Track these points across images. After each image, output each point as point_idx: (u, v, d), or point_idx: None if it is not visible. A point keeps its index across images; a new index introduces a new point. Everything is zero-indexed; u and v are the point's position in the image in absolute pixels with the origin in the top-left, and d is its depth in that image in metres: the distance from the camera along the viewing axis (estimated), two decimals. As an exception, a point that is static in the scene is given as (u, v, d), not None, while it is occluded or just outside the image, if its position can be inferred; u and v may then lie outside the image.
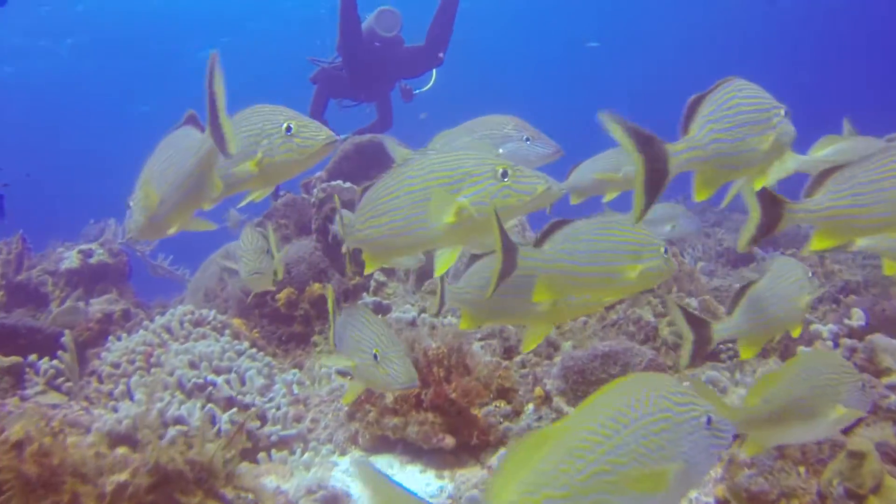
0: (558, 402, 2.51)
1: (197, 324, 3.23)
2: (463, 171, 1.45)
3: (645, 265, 1.55)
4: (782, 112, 1.47)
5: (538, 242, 1.59)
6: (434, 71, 6.01)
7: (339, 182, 4.29)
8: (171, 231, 1.61)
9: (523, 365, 2.83)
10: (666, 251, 1.60)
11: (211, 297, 4.49)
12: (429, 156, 1.51)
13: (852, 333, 2.28)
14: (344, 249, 1.72)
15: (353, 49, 5.48)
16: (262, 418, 2.65)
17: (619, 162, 2.36)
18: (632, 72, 26.01)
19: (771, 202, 1.46)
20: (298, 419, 2.87)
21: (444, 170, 1.46)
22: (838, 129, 2.20)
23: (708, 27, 22.66)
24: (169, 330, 3.13)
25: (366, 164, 4.64)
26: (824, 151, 2.02)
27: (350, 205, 4.21)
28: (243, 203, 1.75)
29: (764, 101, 1.47)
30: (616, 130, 1.33)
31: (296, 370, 3.34)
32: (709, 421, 1.08)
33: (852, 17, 20.83)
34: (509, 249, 1.49)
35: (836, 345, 2.33)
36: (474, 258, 1.80)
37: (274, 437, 2.57)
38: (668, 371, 2.55)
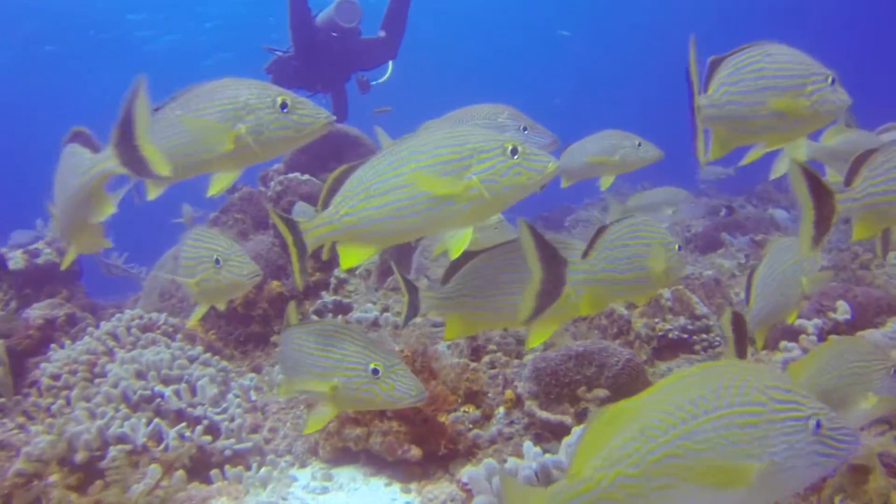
0: (530, 405, 2.32)
1: (146, 329, 2.97)
2: (470, 146, 1.33)
3: (668, 265, 1.48)
4: (827, 79, 1.37)
5: (586, 253, 1.48)
6: (391, 63, 5.80)
7: (297, 174, 4.05)
8: (71, 253, 1.49)
9: (492, 365, 2.64)
10: (680, 248, 1.52)
11: (167, 296, 4.23)
12: (433, 132, 1.39)
13: (838, 328, 2.13)
14: (320, 243, 1.48)
15: (306, 39, 5.26)
16: (215, 431, 2.41)
17: (614, 145, 2.21)
18: (603, 61, 25.75)
19: (825, 194, 1.33)
20: (255, 429, 2.65)
21: (451, 145, 1.34)
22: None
23: (683, 15, 22.45)
24: (115, 336, 2.87)
25: (325, 156, 4.40)
26: (836, 140, 1.88)
27: (308, 198, 3.97)
28: (214, 191, 1.51)
29: (800, 68, 1.39)
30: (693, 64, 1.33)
31: (253, 374, 3.11)
32: (818, 425, 0.96)
33: (839, 8, 20.71)
34: (556, 265, 1.36)
35: (822, 340, 2.17)
36: (468, 256, 1.56)
37: (227, 452, 2.34)
38: (645, 368, 2.38)
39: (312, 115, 1.43)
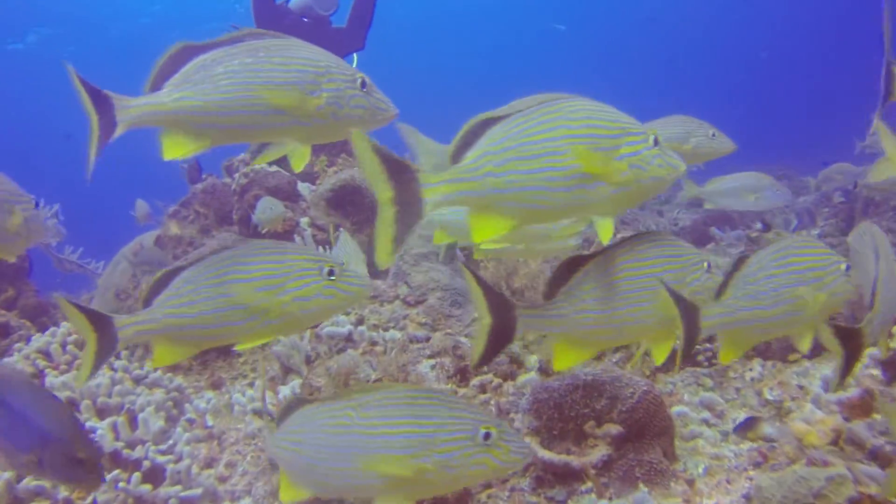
0: (530, 443, 1.89)
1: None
2: (620, 126, 1.14)
3: (830, 291, 1.26)
4: None
5: (720, 292, 1.28)
6: (355, 55, 5.34)
7: (265, 165, 3.55)
8: None
9: (482, 389, 2.20)
10: (848, 269, 1.28)
11: (122, 297, 3.72)
12: (574, 100, 1.17)
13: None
14: (448, 203, 1.13)
15: (268, 23, 4.85)
16: (158, 475, 1.94)
17: (688, 132, 1.86)
18: (599, 56, 24.98)
19: None
20: (210, 463, 2.19)
21: (604, 119, 1.15)
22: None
23: (678, 10, 21.75)
24: (47, 355, 2.38)
25: (295, 145, 3.90)
26: None
27: (275, 192, 3.48)
28: (298, 166, 1.30)
29: None
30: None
31: (212, 393, 2.63)
32: None
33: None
34: (692, 312, 1.19)
35: (886, 372, 1.75)
36: (574, 263, 1.29)
37: (172, 502, 1.88)
38: (665, 398, 1.95)
39: (386, 101, 1.27)
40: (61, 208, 4.28)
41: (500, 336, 1.21)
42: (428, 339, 2.37)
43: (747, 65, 24.26)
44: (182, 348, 1.31)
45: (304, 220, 3.32)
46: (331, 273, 1.22)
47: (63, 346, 2.40)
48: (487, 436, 1.12)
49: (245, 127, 1.22)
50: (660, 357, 1.31)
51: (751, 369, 2.59)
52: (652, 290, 1.24)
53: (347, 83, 1.23)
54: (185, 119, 1.21)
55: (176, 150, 1.24)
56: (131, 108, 1.20)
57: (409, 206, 1.06)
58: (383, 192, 1.06)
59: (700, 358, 2.70)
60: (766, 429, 1.85)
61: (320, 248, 2.90)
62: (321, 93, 1.21)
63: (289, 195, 3.48)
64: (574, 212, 1.16)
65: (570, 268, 1.28)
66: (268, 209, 3.16)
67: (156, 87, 1.24)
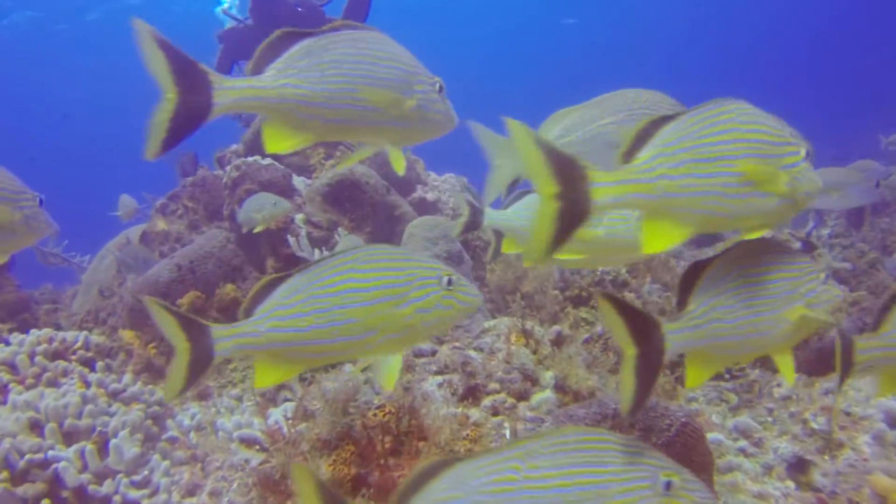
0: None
1: (56, 356, 2.18)
2: (784, 137, 1.04)
3: None
4: None
5: (877, 322, 1.15)
6: None
7: (258, 158, 3.25)
8: None
9: (495, 411, 1.92)
10: None
11: (107, 294, 3.43)
12: (744, 102, 1.06)
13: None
14: (620, 206, 1.00)
15: (267, 10, 4.56)
16: (131, 511, 1.67)
17: None
18: (608, 50, 24.29)
19: None
20: (192, 491, 1.91)
21: (772, 125, 1.04)
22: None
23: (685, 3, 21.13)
24: (13, 367, 2.08)
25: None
26: None
27: (268, 186, 3.18)
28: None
29: None
30: None
31: (197, 406, 2.35)
32: None
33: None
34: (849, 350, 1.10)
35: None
36: (694, 270, 1.13)
37: (145, 545, 1.60)
38: (706, 432, 1.68)
39: (452, 108, 1.21)
40: (46, 198, 3.96)
41: (652, 366, 1.01)
42: (434, 353, 2.10)
43: (762, 57, 23.68)
44: (287, 366, 1.12)
45: (299, 217, 3.03)
46: (450, 282, 1.11)
47: (31, 356, 2.11)
48: (669, 485, 0.92)
49: (347, 122, 1.12)
50: (789, 375, 1.12)
51: (778, 385, 2.33)
52: (770, 299, 1.09)
53: (431, 86, 1.17)
54: (288, 108, 1.08)
55: (279, 143, 1.11)
56: (232, 91, 1.05)
57: (575, 205, 0.93)
58: (547, 186, 0.93)
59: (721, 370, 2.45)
60: (819, 477, 1.60)
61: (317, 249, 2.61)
62: (414, 94, 1.15)
63: (283, 190, 3.19)
64: (742, 221, 1.02)
65: (694, 274, 1.12)
66: (268, 205, 2.84)
67: (256, 73, 1.10)
